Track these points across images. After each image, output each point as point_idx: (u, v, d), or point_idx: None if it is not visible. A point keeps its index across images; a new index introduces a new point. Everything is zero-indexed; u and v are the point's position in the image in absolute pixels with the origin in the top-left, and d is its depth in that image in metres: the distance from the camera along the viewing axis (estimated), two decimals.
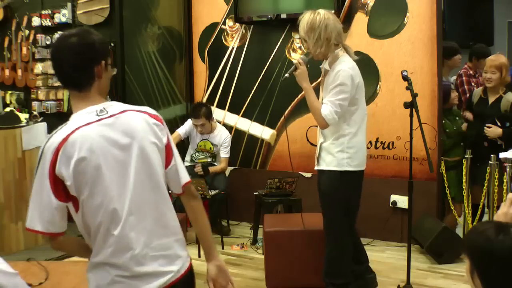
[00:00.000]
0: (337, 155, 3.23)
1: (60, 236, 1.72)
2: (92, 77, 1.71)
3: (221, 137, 5.12)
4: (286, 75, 3.26)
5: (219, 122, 5.42)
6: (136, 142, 1.71)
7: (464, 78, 5.19)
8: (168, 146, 1.82)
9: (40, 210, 1.66)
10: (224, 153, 5.10)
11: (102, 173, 1.65)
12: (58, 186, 1.64)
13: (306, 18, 3.19)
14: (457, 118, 4.65)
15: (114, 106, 1.74)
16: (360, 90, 3.25)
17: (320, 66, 3.35)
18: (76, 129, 1.65)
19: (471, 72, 5.28)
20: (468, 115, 4.62)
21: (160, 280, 1.73)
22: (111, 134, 1.68)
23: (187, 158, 5.27)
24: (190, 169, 5.14)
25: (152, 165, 1.74)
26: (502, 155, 3.97)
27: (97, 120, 1.68)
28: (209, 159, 5.17)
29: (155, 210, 1.76)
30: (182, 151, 5.31)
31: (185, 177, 1.91)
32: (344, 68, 3.16)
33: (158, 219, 1.77)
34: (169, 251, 1.78)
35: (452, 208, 4.48)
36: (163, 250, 1.76)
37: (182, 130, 5.19)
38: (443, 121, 4.55)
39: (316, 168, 3.38)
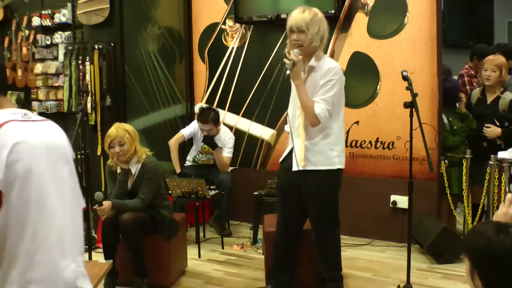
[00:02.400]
0: (328, 153, 3.20)
1: None
2: None
3: (225, 139, 5.10)
4: (288, 72, 3.07)
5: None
6: (64, 148, 1.71)
7: (466, 78, 5.20)
8: None
9: None
10: (227, 152, 5.09)
11: (33, 169, 1.55)
12: None
13: (306, 10, 3.15)
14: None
15: (30, 113, 1.70)
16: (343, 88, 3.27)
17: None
18: (7, 121, 1.57)
19: (472, 72, 5.28)
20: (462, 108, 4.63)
21: None
22: (42, 135, 1.64)
23: (189, 158, 5.27)
24: (191, 169, 5.16)
25: (74, 172, 1.72)
26: (500, 155, 3.97)
27: (25, 120, 1.63)
28: (211, 162, 5.17)
29: (78, 219, 1.70)
30: (183, 151, 5.32)
31: None
32: (335, 65, 3.19)
33: (79, 229, 1.71)
34: (83, 267, 1.71)
35: (452, 208, 4.47)
36: (81, 266, 1.69)
37: (186, 131, 5.17)
38: (450, 118, 4.54)
39: (300, 169, 3.17)
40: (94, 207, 3.59)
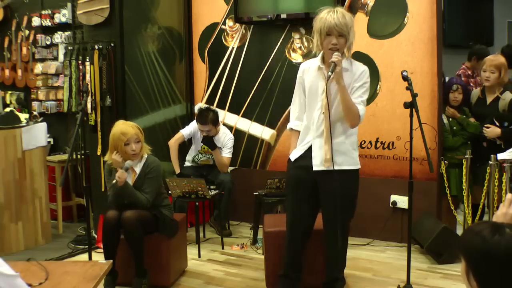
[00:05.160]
0: (352, 153, 3.23)
1: None
2: None
3: (224, 139, 5.10)
4: (330, 73, 3.00)
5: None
6: None
7: (463, 79, 5.19)
8: None
9: None
10: (226, 152, 5.09)
11: None
12: None
13: (346, 14, 3.08)
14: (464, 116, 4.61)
15: None
16: None
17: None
18: None
19: (469, 72, 5.28)
20: (452, 111, 4.56)
21: None
22: None
23: (189, 158, 5.27)
24: (191, 170, 5.16)
25: None
26: (500, 156, 3.97)
27: None
28: (211, 162, 5.17)
29: None
30: (183, 151, 5.32)
31: None
32: (366, 68, 3.22)
33: None
34: None
35: (452, 208, 4.47)
36: None
37: (186, 131, 5.17)
38: (449, 119, 4.53)
39: (327, 168, 3.15)
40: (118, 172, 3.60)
